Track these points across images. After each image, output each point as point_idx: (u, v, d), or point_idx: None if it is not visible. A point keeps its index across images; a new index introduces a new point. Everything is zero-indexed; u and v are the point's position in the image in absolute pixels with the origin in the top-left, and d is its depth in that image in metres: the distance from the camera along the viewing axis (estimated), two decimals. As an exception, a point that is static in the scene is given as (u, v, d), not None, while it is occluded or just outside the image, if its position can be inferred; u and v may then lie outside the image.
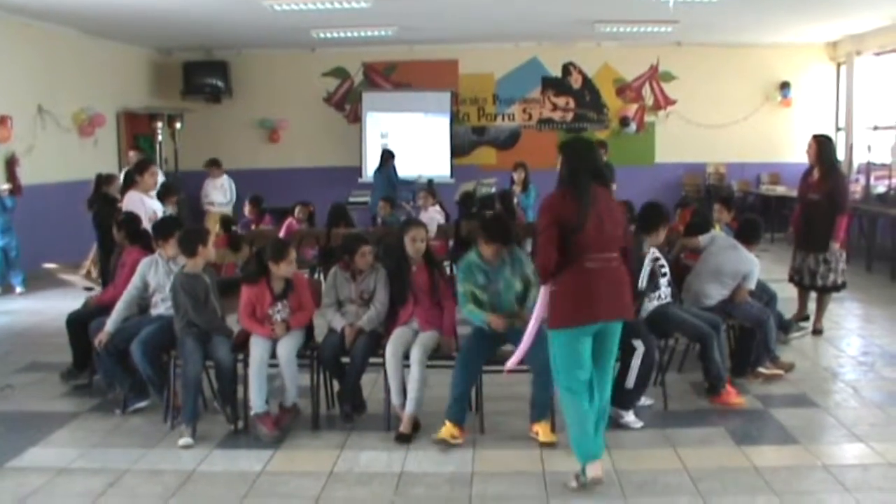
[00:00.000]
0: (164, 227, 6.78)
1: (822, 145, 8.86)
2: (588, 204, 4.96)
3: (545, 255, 5.04)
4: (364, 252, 6.37)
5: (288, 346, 6.14)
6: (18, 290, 11.79)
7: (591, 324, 5.04)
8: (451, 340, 6.34)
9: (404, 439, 5.91)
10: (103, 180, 10.51)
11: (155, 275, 6.52)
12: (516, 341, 5.67)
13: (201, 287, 6.21)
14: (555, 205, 5.07)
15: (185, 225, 7.07)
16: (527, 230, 10.04)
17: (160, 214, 9.02)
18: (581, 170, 5.07)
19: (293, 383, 6.17)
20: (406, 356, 6.09)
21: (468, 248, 10.90)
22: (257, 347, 6.09)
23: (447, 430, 5.82)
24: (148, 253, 6.81)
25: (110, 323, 6.40)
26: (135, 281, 6.49)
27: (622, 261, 5.19)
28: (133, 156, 13.06)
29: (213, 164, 14.57)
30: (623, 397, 6.06)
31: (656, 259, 6.54)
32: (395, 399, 6.09)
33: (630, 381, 6.02)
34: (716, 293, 7.07)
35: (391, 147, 15.22)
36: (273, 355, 6.13)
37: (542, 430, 5.86)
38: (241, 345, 6.27)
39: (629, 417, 6.10)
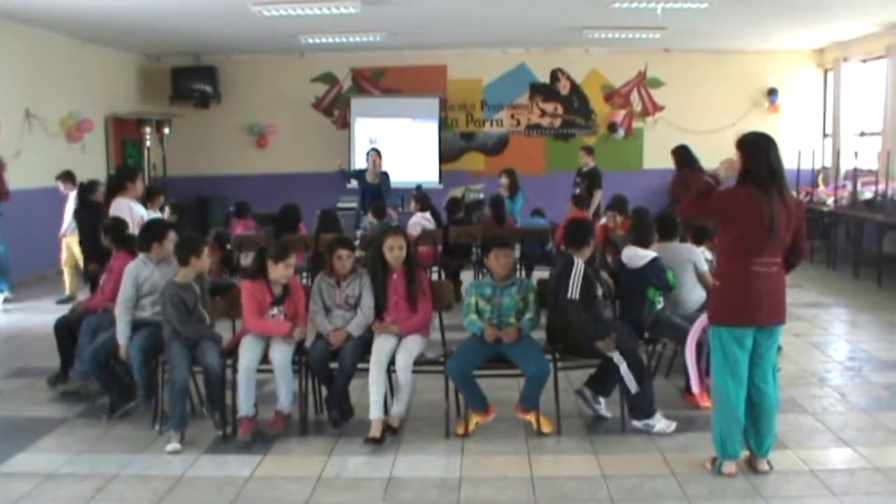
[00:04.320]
0: (151, 233, 6.73)
1: (678, 155, 10.88)
2: (777, 209, 5.00)
3: (691, 208, 5.34)
4: (340, 255, 6.37)
5: (283, 352, 6.12)
6: (5, 295, 11.70)
7: (748, 326, 5.16)
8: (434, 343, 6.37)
9: (390, 431, 5.96)
10: (86, 187, 10.49)
11: (147, 278, 6.48)
12: (507, 353, 6.07)
13: (190, 297, 6.19)
14: (730, 203, 5.12)
15: (172, 228, 7.02)
16: (515, 235, 10.08)
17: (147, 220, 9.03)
18: (763, 168, 5.07)
19: (288, 389, 6.15)
20: (392, 362, 6.11)
21: (456, 253, 11.07)
22: (247, 353, 6.07)
23: (473, 421, 6.12)
24: (134, 257, 6.79)
25: (121, 336, 6.34)
26: (126, 287, 6.43)
27: (784, 265, 5.22)
28: None
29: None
30: (639, 405, 6.05)
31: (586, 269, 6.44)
32: (374, 412, 5.96)
33: (632, 386, 5.98)
34: (694, 297, 7.04)
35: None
36: (263, 360, 6.12)
37: (536, 421, 6.08)
38: (230, 351, 6.27)
39: (661, 424, 6.04)
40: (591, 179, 13.27)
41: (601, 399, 6.39)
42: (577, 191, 13.13)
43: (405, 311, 6.33)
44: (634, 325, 6.58)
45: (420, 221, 11.28)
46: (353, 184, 13.70)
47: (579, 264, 6.26)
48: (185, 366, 6.02)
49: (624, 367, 5.97)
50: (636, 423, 6.10)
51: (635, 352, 6.09)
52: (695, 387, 6.01)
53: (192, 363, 6.10)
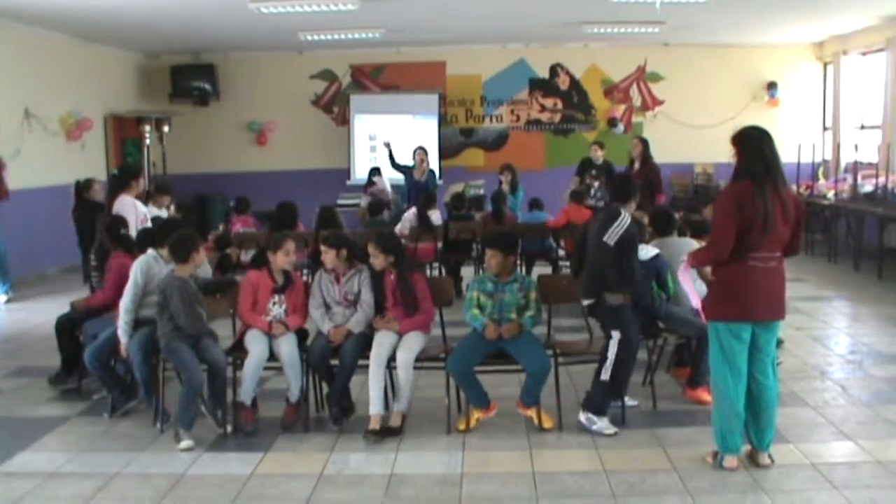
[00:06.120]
0: (167, 231, 6.70)
1: (646, 144, 12.39)
2: (770, 202, 4.99)
3: (723, 245, 5.10)
4: (323, 250, 6.42)
5: (290, 345, 6.20)
6: (5, 296, 11.65)
7: (746, 322, 5.14)
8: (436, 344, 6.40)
9: (392, 433, 5.97)
10: (82, 186, 10.47)
11: (156, 274, 6.44)
12: (508, 349, 6.07)
13: (192, 292, 6.20)
14: (735, 198, 5.09)
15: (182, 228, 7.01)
16: (517, 230, 10.06)
17: (150, 217, 9.04)
18: (757, 163, 5.08)
19: (297, 379, 6.22)
20: (393, 358, 6.12)
21: (457, 249, 11.06)
22: (258, 343, 6.14)
23: (474, 417, 6.11)
24: (131, 255, 6.77)
25: (123, 333, 6.32)
26: (136, 280, 6.39)
27: (782, 259, 5.20)
28: None
29: None
30: (597, 394, 6.01)
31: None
32: (374, 408, 6.00)
33: (606, 373, 5.95)
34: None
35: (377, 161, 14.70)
36: (270, 356, 6.18)
37: (537, 416, 6.08)
38: (232, 348, 6.32)
39: (601, 423, 5.98)
40: (608, 173, 13.21)
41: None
42: (598, 184, 13.05)
43: (400, 313, 6.34)
44: (648, 314, 6.54)
45: (409, 218, 11.23)
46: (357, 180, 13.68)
47: (625, 217, 6.04)
48: (198, 367, 6.04)
49: (615, 349, 5.92)
50: (581, 417, 6.05)
51: (632, 341, 6.02)
52: (694, 301, 5.67)
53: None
